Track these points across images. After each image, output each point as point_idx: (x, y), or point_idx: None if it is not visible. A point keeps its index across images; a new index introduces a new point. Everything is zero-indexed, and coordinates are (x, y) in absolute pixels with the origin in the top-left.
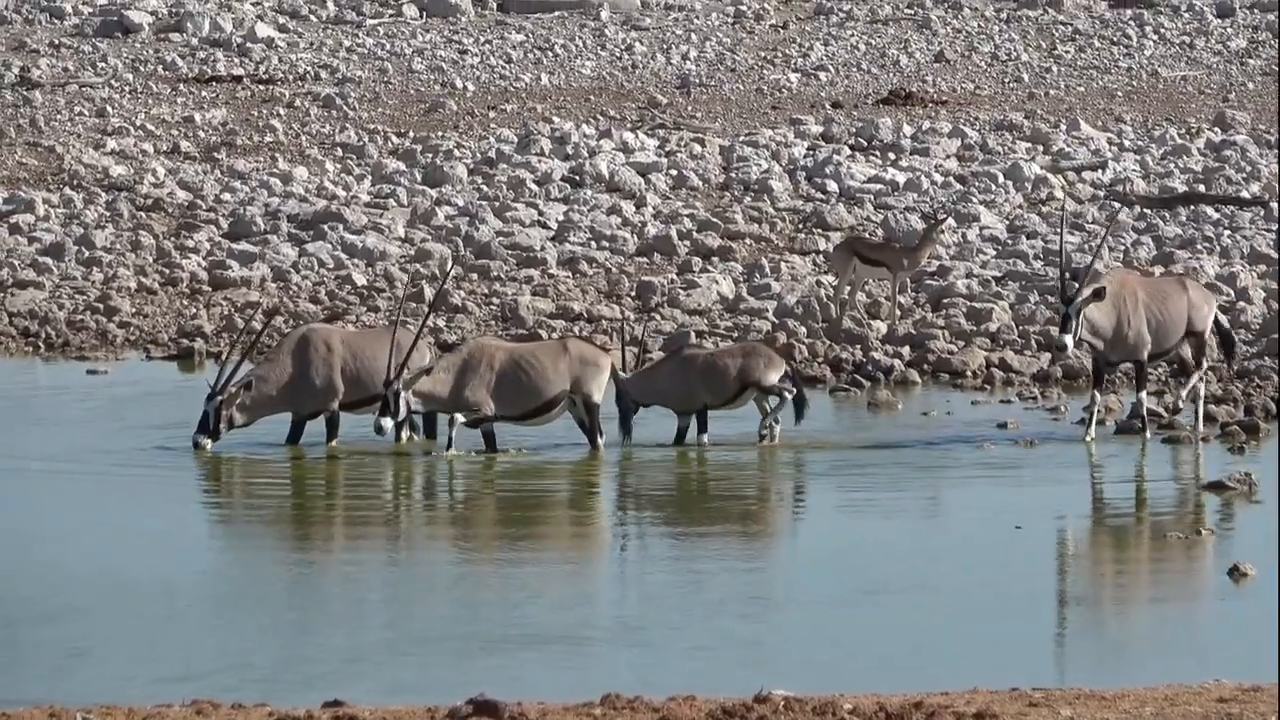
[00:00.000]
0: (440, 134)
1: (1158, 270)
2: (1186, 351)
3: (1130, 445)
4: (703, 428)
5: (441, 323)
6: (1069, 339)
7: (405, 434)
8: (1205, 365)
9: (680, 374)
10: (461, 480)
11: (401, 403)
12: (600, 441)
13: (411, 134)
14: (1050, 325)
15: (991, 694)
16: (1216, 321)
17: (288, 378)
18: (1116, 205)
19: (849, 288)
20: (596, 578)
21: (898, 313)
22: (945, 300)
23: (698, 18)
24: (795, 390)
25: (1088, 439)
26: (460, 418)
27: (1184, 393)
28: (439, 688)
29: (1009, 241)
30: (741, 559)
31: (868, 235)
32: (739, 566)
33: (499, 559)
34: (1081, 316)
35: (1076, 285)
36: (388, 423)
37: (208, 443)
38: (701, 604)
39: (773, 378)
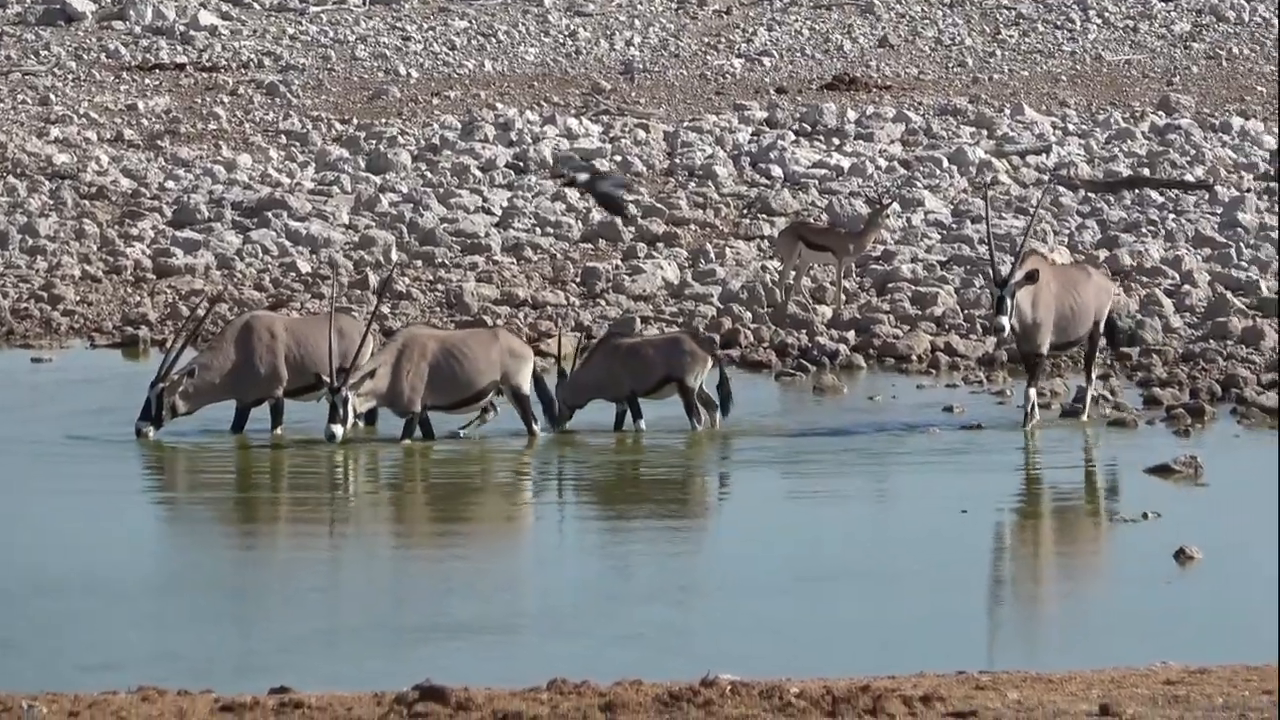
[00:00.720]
0: (384, 121)
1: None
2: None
3: (1076, 430)
4: (636, 414)
5: (386, 310)
6: (1005, 320)
7: (351, 421)
8: (1098, 354)
9: (606, 362)
10: (403, 468)
11: (350, 409)
12: (537, 428)
13: (355, 121)
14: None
15: (938, 677)
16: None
17: (231, 365)
18: (1058, 189)
19: (794, 273)
20: (536, 566)
21: (843, 297)
22: (890, 285)
23: (641, 3)
24: (713, 399)
25: (1028, 429)
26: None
27: (1092, 385)
28: (379, 676)
29: (954, 226)
30: (679, 546)
31: (813, 220)
32: (677, 553)
33: (438, 547)
34: (1015, 299)
35: (1009, 267)
36: (338, 429)
37: (151, 430)
38: (640, 591)
39: (691, 374)
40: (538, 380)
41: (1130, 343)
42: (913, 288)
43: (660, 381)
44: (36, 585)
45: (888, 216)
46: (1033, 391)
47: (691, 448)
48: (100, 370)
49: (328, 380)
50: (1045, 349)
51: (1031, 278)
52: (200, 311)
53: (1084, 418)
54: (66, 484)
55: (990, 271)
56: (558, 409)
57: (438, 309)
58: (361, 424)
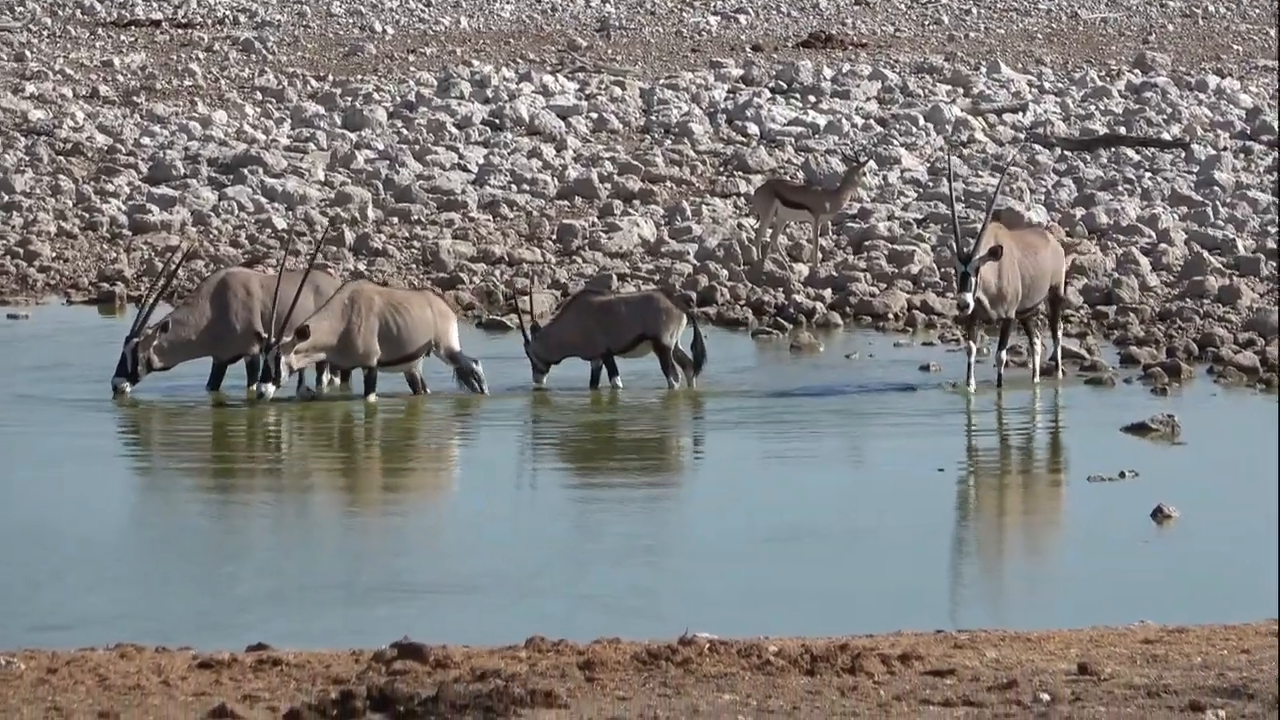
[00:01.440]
0: (359, 78)
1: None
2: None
3: (1049, 388)
4: (612, 372)
5: (362, 266)
6: (969, 297)
7: (326, 379)
8: (1062, 318)
9: (579, 319)
10: (373, 425)
11: (283, 366)
12: (484, 387)
13: (331, 78)
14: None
15: (916, 636)
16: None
17: (207, 322)
18: (1033, 147)
19: (770, 230)
20: (507, 526)
21: (819, 255)
22: (867, 243)
23: None
24: (689, 356)
25: (969, 389)
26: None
27: (1055, 349)
28: (351, 634)
29: (930, 184)
30: (652, 506)
31: (789, 178)
32: (650, 513)
33: (405, 506)
34: (979, 275)
35: (972, 244)
36: (269, 388)
37: (127, 386)
38: (613, 551)
39: (667, 332)
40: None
41: (1107, 301)
42: (889, 246)
43: (635, 339)
44: (3, 541)
45: (864, 175)
46: (1004, 354)
47: (666, 406)
48: (76, 326)
49: (265, 337)
50: (1013, 313)
51: (995, 254)
52: (174, 266)
53: (1059, 375)
54: (38, 441)
55: (954, 247)
56: (532, 365)
57: (414, 266)
58: (337, 381)
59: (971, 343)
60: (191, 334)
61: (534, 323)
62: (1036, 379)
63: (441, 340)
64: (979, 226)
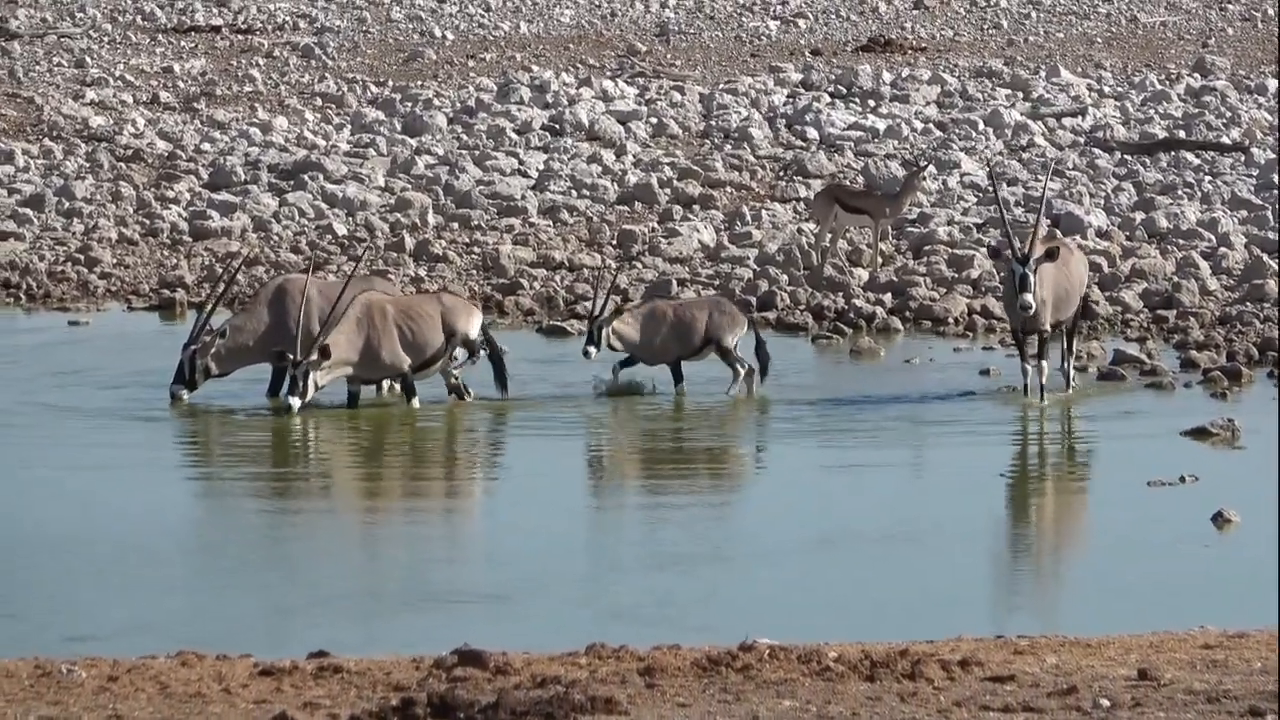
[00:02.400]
0: (419, 83)
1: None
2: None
3: (1113, 392)
4: (678, 378)
5: (423, 272)
6: (1030, 297)
7: (386, 385)
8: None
9: (651, 326)
10: (424, 432)
11: (310, 382)
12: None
13: (391, 83)
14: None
15: (976, 641)
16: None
17: (265, 328)
18: (1093, 151)
19: (830, 235)
20: (568, 532)
21: (879, 260)
22: (927, 247)
23: None
24: (751, 361)
25: (1030, 400)
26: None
27: (1071, 362)
28: (403, 641)
29: (989, 188)
30: (712, 511)
31: (849, 183)
32: (709, 518)
33: (464, 513)
34: (1038, 275)
35: (1025, 247)
36: (295, 401)
37: (184, 393)
38: (671, 556)
39: (732, 337)
40: (490, 342)
41: (1167, 305)
42: (949, 250)
43: (702, 344)
44: (62, 549)
45: (924, 179)
46: (1045, 364)
47: (727, 412)
48: (137, 333)
49: (291, 356)
50: (1048, 325)
51: (1052, 255)
52: (232, 273)
53: (1070, 390)
54: (96, 449)
55: (1012, 250)
56: (589, 338)
57: (474, 271)
58: (385, 392)
59: (1028, 361)
60: (249, 340)
61: (591, 331)
62: (1070, 389)
63: (458, 332)
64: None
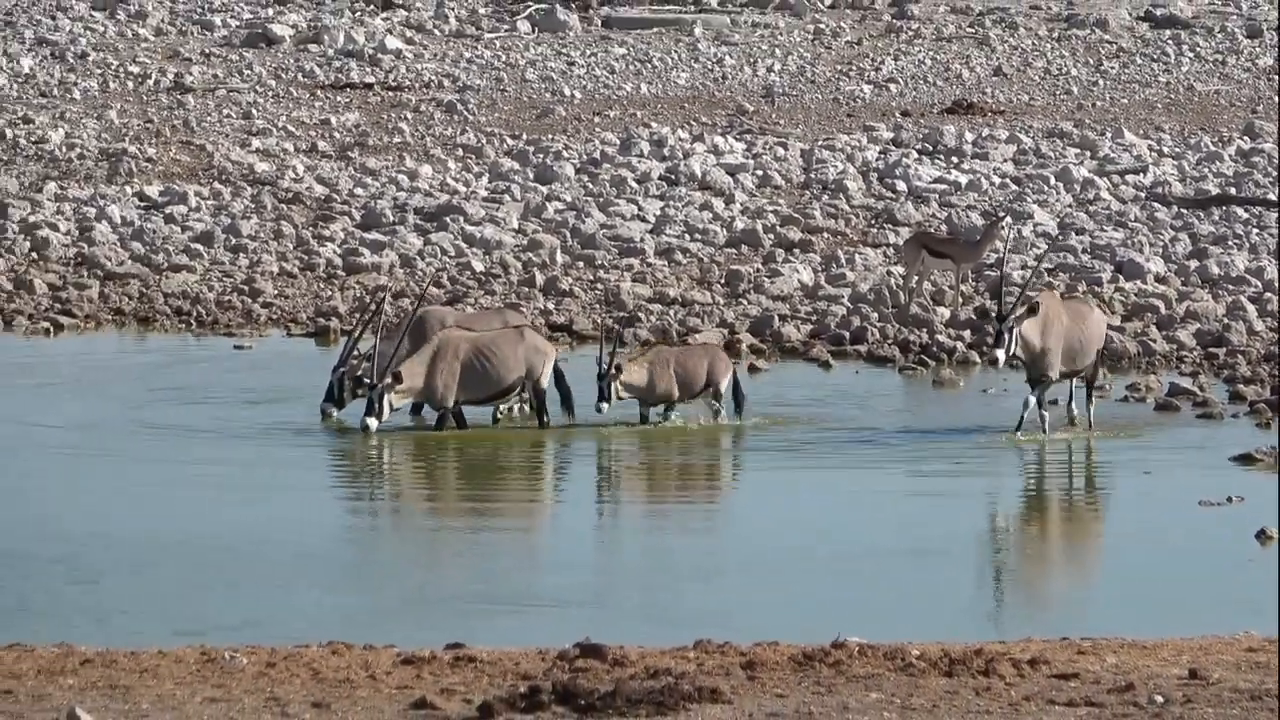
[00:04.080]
0: (550, 137)
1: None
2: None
3: (1167, 422)
4: (645, 419)
5: (551, 306)
6: (1000, 353)
7: (504, 407)
8: (1101, 377)
9: (660, 369)
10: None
11: (385, 404)
12: (547, 419)
13: (524, 136)
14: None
15: (1044, 642)
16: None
17: (406, 352)
18: (1153, 205)
19: (917, 277)
20: (669, 543)
21: (960, 300)
22: (1003, 289)
23: (782, 34)
24: (733, 399)
25: (1017, 436)
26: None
27: (1091, 408)
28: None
29: (1059, 237)
30: (803, 521)
31: (935, 230)
32: (801, 529)
33: (565, 524)
34: (1015, 333)
35: (1011, 304)
36: (373, 422)
37: (334, 411)
38: (766, 561)
39: (726, 381)
40: (558, 374)
41: (1217, 344)
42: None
43: (703, 388)
44: (217, 549)
45: (1002, 230)
46: (1032, 399)
47: (809, 433)
48: (295, 356)
49: (368, 380)
50: (1054, 374)
51: (1032, 310)
52: (376, 304)
53: (1081, 430)
54: (257, 467)
55: (997, 308)
56: (600, 394)
57: (596, 305)
58: (514, 411)
59: (1043, 406)
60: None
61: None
62: (1089, 429)
63: (533, 375)
64: (1101, 276)
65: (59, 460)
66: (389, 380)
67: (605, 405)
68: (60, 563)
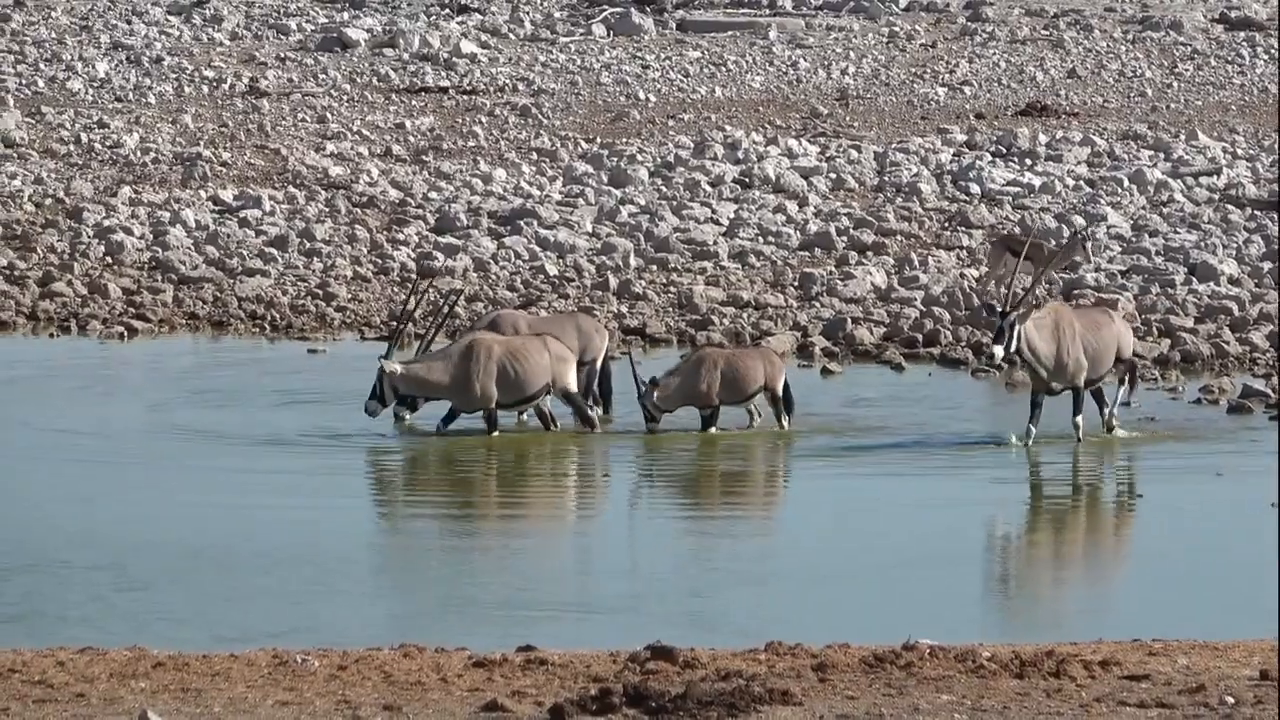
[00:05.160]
0: (624, 140)
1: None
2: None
3: (1239, 425)
4: (711, 422)
5: (624, 309)
6: (999, 350)
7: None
8: (1136, 384)
9: (702, 373)
10: (554, 459)
11: (388, 390)
12: (595, 420)
13: (599, 140)
14: (1170, 314)
15: (1115, 644)
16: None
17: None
18: (1227, 207)
19: (996, 279)
20: (740, 548)
21: (1035, 302)
22: (1075, 291)
23: (856, 37)
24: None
25: (1014, 444)
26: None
27: (1114, 410)
28: (600, 637)
29: (1133, 239)
30: (867, 523)
31: (1020, 234)
32: (866, 533)
33: (639, 529)
34: (1016, 331)
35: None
36: (376, 407)
37: (407, 413)
38: (833, 566)
39: (780, 382)
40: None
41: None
42: (1096, 294)
43: (754, 393)
44: (280, 559)
45: (1087, 246)
46: (1079, 419)
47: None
48: (369, 360)
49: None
50: (1081, 382)
51: (1034, 309)
52: (446, 307)
53: (1112, 427)
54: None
55: (996, 305)
56: (645, 414)
57: (670, 309)
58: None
59: (1036, 410)
60: None
61: (638, 378)
62: (1109, 432)
63: (559, 381)
64: (1174, 279)
65: (124, 466)
66: (406, 366)
67: (654, 425)
68: (121, 566)
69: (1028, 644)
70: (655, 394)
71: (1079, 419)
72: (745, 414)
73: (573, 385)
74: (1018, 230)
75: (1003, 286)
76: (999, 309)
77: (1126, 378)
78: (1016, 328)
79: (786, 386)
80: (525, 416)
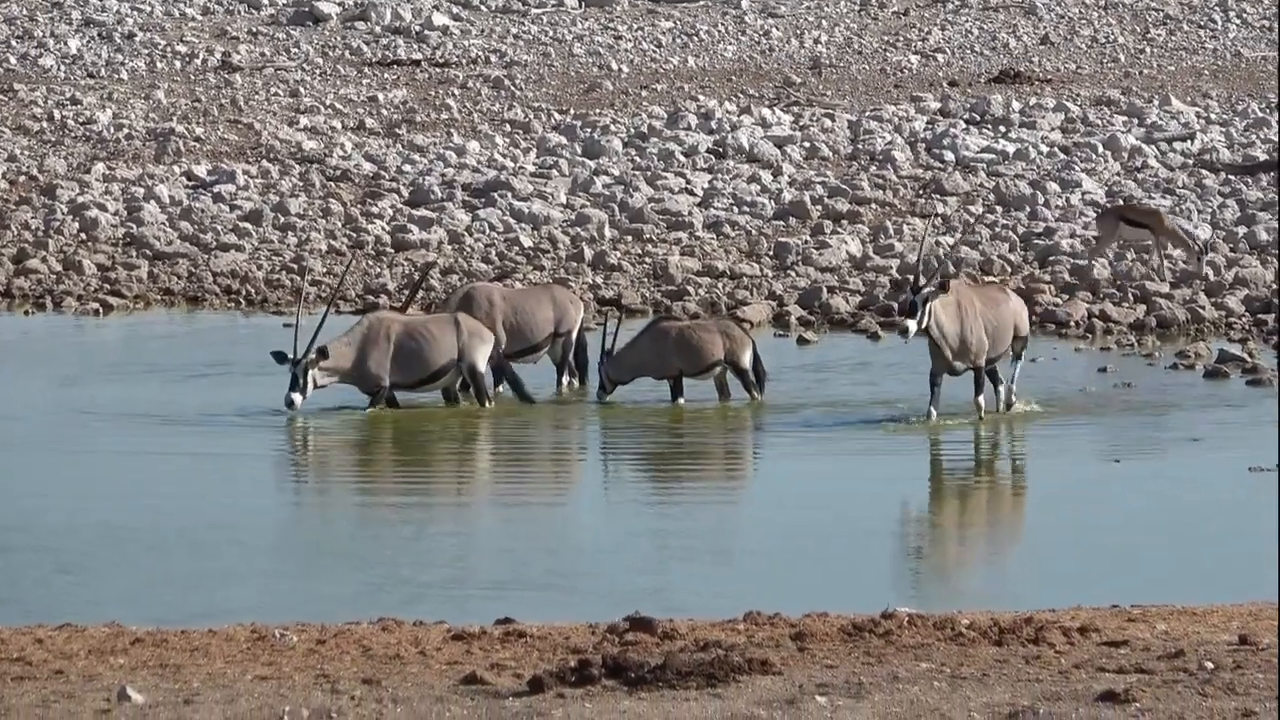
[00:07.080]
0: (598, 111)
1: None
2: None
3: (1218, 388)
4: (677, 394)
5: (600, 280)
6: (913, 325)
7: (567, 380)
8: (1022, 360)
9: (655, 345)
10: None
11: (309, 380)
12: (489, 404)
13: (572, 111)
14: (1145, 280)
15: (1094, 610)
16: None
17: None
18: (1201, 171)
19: (1106, 248)
20: (730, 519)
21: (1164, 267)
22: (1051, 258)
23: (828, 5)
24: (759, 374)
25: (930, 420)
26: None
27: (1010, 386)
28: (578, 608)
29: (1108, 205)
30: (854, 496)
31: (1136, 203)
32: (850, 502)
33: (617, 502)
34: (928, 307)
35: (924, 280)
36: (297, 397)
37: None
38: (815, 534)
39: (745, 357)
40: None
41: (1266, 310)
42: (1071, 260)
43: (711, 365)
44: (258, 530)
45: (1203, 255)
46: (980, 399)
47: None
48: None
49: (291, 355)
50: (982, 362)
51: (944, 287)
52: (417, 277)
53: (1011, 404)
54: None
55: (911, 281)
56: (599, 382)
57: (645, 279)
58: (576, 383)
59: (936, 390)
60: None
61: (603, 347)
62: (1007, 410)
63: (465, 357)
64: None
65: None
66: (313, 355)
67: (603, 393)
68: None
69: (1006, 611)
70: (608, 364)
71: (980, 399)
72: (714, 388)
73: (481, 365)
74: (1134, 200)
75: (1100, 256)
76: (914, 286)
77: (1022, 353)
78: (930, 303)
79: (757, 359)
80: (502, 388)
